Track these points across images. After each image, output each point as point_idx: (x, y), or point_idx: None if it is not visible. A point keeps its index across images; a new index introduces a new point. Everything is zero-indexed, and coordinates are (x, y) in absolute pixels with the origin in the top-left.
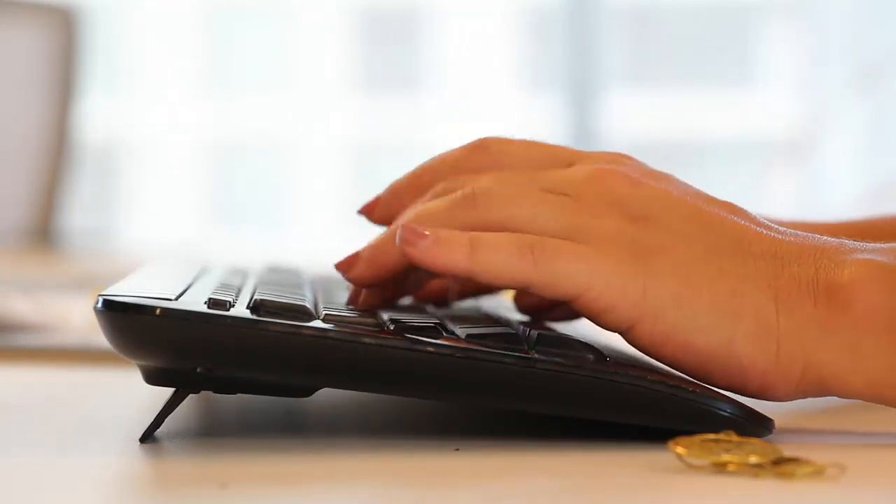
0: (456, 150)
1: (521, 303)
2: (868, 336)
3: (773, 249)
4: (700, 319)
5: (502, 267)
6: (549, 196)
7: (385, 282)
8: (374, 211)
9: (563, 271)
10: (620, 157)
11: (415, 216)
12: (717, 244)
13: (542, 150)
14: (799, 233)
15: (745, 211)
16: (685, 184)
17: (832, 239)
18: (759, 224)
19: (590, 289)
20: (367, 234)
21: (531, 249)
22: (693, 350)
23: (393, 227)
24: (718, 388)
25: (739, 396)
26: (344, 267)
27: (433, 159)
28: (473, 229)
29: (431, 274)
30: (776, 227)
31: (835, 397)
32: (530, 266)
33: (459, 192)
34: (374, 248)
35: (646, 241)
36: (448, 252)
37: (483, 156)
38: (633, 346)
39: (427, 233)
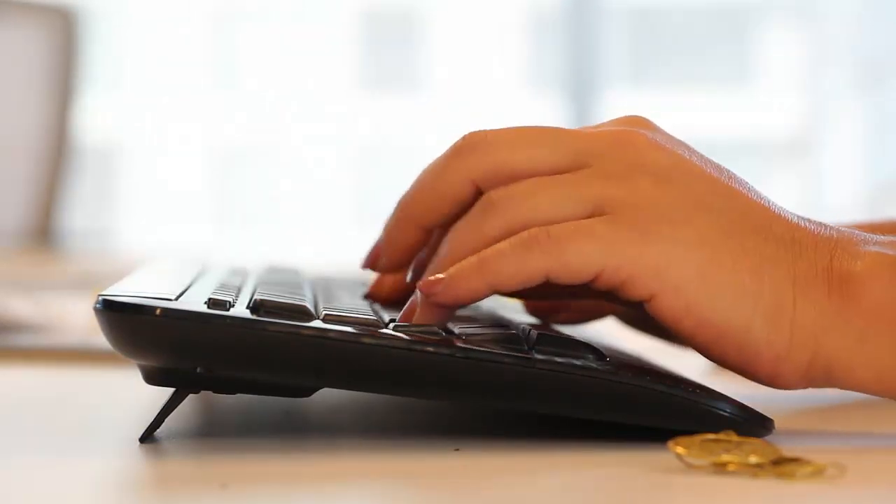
0: (439, 159)
1: (531, 307)
2: (878, 330)
3: (792, 233)
4: (722, 297)
5: (516, 268)
6: (567, 177)
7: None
8: (378, 261)
9: (575, 253)
10: (639, 120)
11: (445, 241)
12: (740, 220)
13: (539, 146)
14: (812, 219)
15: (760, 192)
16: (702, 154)
17: (844, 229)
18: (776, 206)
19: (606, 265)
20: (368, 234)
21: (537, 241)
22: (711, 327)
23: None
24: (729, 368)
25: (739, 396)
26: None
27: (415, 186)
28: (501, 235)
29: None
30: (791, 211)
31: (836, 395)
32: (542, 257)
33: (477, 203)
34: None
35: (670, 208)
36: (463, 283)
37: (471, 157)
38: (653, 316)
39: (441, 276)
